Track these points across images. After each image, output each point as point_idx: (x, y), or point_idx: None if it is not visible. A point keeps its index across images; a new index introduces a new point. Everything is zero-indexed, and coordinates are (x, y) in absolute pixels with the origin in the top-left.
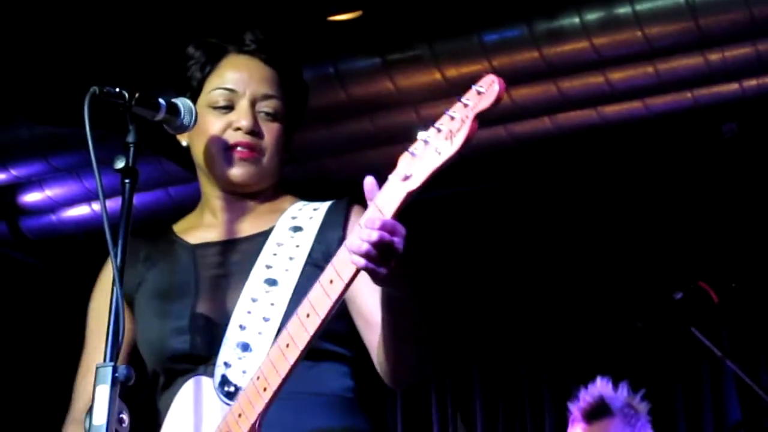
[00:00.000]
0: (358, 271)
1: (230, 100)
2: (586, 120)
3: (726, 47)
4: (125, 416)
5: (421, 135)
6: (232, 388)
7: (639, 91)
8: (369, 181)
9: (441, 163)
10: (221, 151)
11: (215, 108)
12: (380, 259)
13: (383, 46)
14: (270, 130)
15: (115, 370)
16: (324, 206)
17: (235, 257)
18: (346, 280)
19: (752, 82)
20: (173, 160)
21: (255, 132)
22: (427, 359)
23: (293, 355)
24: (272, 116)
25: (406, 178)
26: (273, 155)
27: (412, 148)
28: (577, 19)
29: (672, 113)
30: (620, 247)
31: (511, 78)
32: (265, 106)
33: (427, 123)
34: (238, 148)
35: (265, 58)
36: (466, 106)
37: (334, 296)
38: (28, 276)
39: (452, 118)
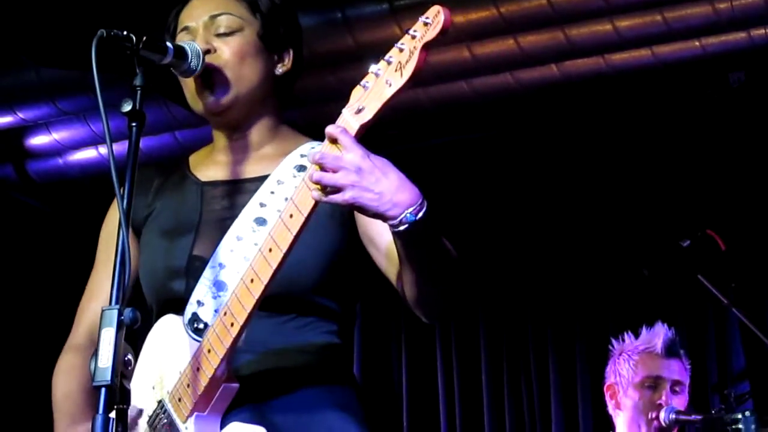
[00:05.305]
0: (316, 205)
1: (191, 37)
2: (593, 68)
3: None
4: (131, 358)
5: (372, 68)
6: (201, 325)
7: (647, 39)
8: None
9: (391, 95)
10: (191, 87)
11: None
12: (335, 190)
13: None
14: (226, 43)
15: (120, 313)
16: None
17: (238, 199)
18: (306, 214)
19: (760, 31)
20: (181, 104)
21: (207, 51)
22: (451, 298)
23: (258, 289)
24: (228, 32)
25: (359, 111)
26: (236, 66)
27: (364, 81)
28: None
29: (680, 62)
30: (627, 195)
31: (518, 25)
32: (217, 25)
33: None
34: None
35: None
36: (413, 37)
37: (295, 230)
38: (35, 219)
39: (401, 50)
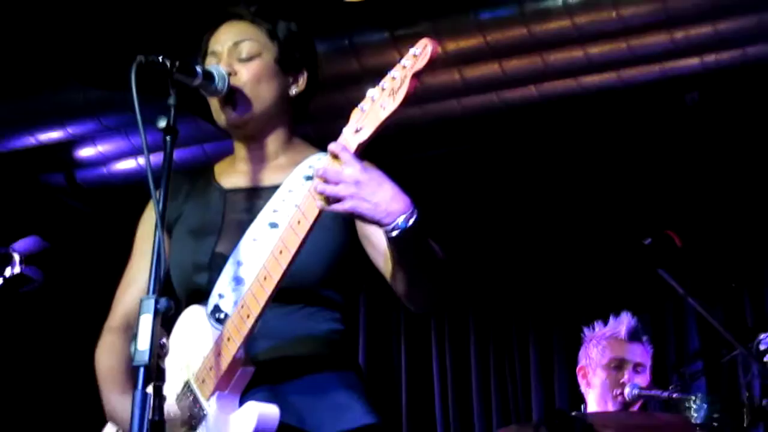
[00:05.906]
0: (320, 213)
1: (216, 60)
2: (567, 89)
3: (689, 26)
4: (166, 342)
5: (369, 93)
6: (222, 315)
7: (613, 64)
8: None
9: (385, 117)
10: (216, 104)
11: None
12: (336, 200)
13: (391, 23)
14: (246, 67)
15: (157, 302)
16: None
17: (255, 205)
18: (311, 220)
19: (711, 57)
20: (208, 120)
21: (229, 73)
22: (438, 294)
23: (270, 286)
24: (248, 57)
25: (358, 130)
26: (254, 87)
27: (361, 105)
28: (560, 1)
29: (642, 83)
30: (597, 199)
31: (502, 51)
32: (239, 51)
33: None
34: None
35: (245, 17)
36: (404, 67)
37: (302, 234)
38: (83, 221)
39: (393, 78)
